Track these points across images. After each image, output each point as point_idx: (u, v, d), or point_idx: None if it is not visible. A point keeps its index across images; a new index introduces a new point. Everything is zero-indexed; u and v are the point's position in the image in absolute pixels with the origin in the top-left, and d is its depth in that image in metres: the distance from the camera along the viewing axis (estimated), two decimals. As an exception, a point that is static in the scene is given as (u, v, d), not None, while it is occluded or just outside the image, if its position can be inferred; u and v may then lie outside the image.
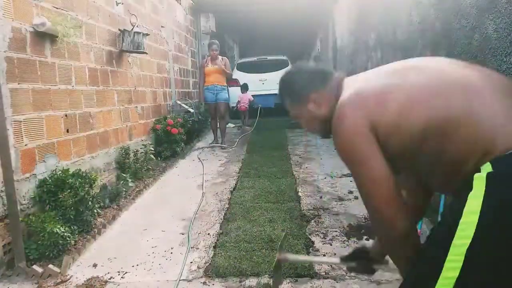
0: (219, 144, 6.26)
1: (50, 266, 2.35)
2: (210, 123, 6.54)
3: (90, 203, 2.88)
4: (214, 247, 2.63)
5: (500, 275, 0.87)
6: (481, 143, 0.94)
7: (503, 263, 0.86)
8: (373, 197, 1.12)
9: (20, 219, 2.42)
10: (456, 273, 0.88)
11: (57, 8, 3.02)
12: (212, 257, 2.47)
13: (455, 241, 0.89)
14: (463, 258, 0.87)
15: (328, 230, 2.82)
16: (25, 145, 2.61)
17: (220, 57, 6.02)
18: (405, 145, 1.08)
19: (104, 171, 3.67)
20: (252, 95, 8.86)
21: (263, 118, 8.61)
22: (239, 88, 8.93)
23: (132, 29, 4.17)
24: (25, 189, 2.59)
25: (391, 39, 4.32)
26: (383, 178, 1.09)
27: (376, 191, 1.10)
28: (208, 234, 2.87)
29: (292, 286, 2.12)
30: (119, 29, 4.12)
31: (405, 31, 3.84)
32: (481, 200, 0.87)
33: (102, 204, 3.22)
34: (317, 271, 2.24)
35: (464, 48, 2.67)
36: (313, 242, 2.63)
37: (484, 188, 0.88)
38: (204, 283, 2.19)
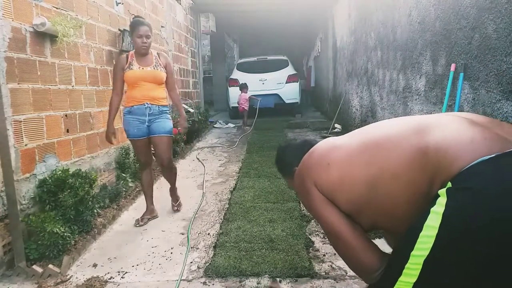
0: (148, 217, 3.18)
1: (50, 266, 2.35)
2: (140, 178, 3.32)
3: (90, 203, 2.88)
4: (214, 247, 2.63)
5: (453, 283, 0.95)
6: (438, 171, 1.01)
7: (458, 273, 0.93)
8: (339, 249, 1.26)
9: (20, 219, 2.42)
10: (413, 279, 0.97)
11: (57, 8, 3.02)
12: (212, 257, 2.47)
13: (415, 252, 0.97)
14: (420, 267, 0.96)
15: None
16: (25, 145, 2.61)
17: (154, 52, 3.11)
18: (355, 199, 1.17)
19: (104, 171, 3.67)
20: (252, 95, 8.87)
21: (263, 118, 8.62)
22: (239, 88, 8.94)
23: (132, 29, 4.15)
24: (25, 189, 2.59)
25: (391, 39, 4.32)
26: (342, 231, 1.20)
27: (341, 244, 1.23)
28: (208, 234, 2.87)
29: (292, 286, 2.12)
30: (119, 29, 4.11)
31: (405, 31, 3.84)
32: (441, 216, 0.94)
33: (102, 204, 3.22)
34: (317, 271, 2.24)
35: (464, 48, 2.68)
36: (313, 242, 2.63)
37: (444, 202, 0.94)
38: (204, 283, 2.19)
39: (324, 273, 2.23)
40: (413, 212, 1.06)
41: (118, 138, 3.32)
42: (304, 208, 3.27)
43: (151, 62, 3.01)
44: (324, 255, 2.45)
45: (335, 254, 2.44)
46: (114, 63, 3.01)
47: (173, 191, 3.45)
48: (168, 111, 3.18)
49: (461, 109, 2.72)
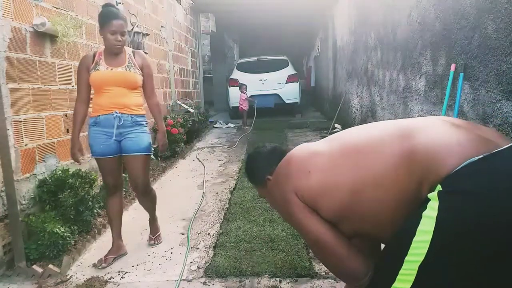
0: (113, 256, 2.53)
1: (50, 266, 2.35)
2: (106, 205, 2.70)
3: (90, 203, 2.88)
4: (214, 247, 2.62)
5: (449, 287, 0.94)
6: (426, 175, 0.99)
7: (454, 277, 0.92)
8: (323, 258, 1.24)
9: (20, 219, 2.42)
10: (408, 285, 0.95)
11: (57, 8, 3.02)
12: (212, 257, 2.47)
13: (408, 258, 0.95)
14: (415, 272, 0.94)
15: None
16: (25, 145, 2.61)
17: (129, 50, 2.51)
18: (338, 206, 1.14)
19: (104, 171, 3.67)
20: (252, 95, 8.87)
21: (263, 118, 8.62)
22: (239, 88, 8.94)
23: (132, 29, 4.17)
24: (25, 189, 2.59)
25: (391, 39, 4.32)
26: (325, 239, 1.17)
27: (324, 252, 1.20)
28: (208, 234, 2.87)
29: (292, 286, 2.12)
30: (119, 29, 4.11)
31: (405, 31, 3.84)
32: (434, 220, 0.92)
33: (102, 204, 3.21)
34: (317, 271, 2.24)
35: (464, 48, 2.67)
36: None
37: (436, 206, 0.92)
38: (204, 283, 2.19)
39: (324, 273, 2.23)
40: (398, 218, 1.04)
41: (85, 156, 2.83)
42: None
43: (123, 62, 2.40)
44: (324, 255, 2.45)
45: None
46: (78, 66, 2.43)
47: (152, 222, 2.78)
48: (144, 123, 2.51)
49: (461, 109, 2.72)
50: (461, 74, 2.68)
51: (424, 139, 1.04)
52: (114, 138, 2.41)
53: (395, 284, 0.98)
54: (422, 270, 0.93)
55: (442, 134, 1.04)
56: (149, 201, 2.69)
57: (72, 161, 2.55)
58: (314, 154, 1.25)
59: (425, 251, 0.92)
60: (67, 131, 3.11)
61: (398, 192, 1.03)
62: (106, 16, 2.32)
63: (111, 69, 2.37)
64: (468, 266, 0.90)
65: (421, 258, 0.92)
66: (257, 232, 2.79)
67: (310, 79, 13.57)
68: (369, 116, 5.32)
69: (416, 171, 1.01)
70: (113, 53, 2.39)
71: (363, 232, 1.20)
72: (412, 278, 0.94)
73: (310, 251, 2.50)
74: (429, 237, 0.91)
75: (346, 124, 6.68)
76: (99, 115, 2.40)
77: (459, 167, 0.94)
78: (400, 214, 1.04)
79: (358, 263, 1.16)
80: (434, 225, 0.91)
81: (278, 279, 2.19)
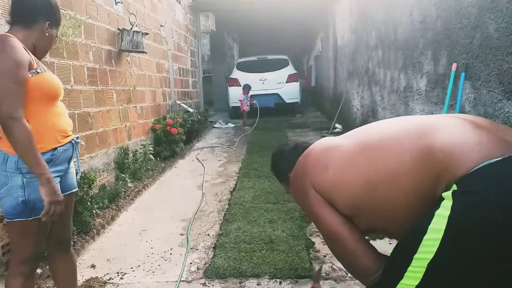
0: None
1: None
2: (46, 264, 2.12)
3: (89, 203, 2.86)
4: (214, 248, 2.61)
5: (457, 286, 0.94)
6: (443, 173, 0.99)
7: (462, 277, 0.92)
8: (337, 251, 1.24)
9: (18, 220, 2.38)
10: (416, 282, 0.96)
11: (55, 7, 3.00)
12: (211, 258, 2.46)
13: (418, 255, 0.95)
14: (424, 270, 0.94)
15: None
16: (24, 145, 2.58)
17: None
18: (354, 201, 1.15)
19: (103, 171, 3.66)
20: (252, 95, 8.85)
21: (263, 118, 8.60)
22: (240, 87, 8.92)
23: (131, 28, 4.16)
24: (24, 190, 2.56)
25: (392, 38, 4.30)
26: (340, 232, 1.18)
27: (338, 246, 1.21)
28: (208, 235, 2.86)
29: (292, 287, 2.11)
30: (118, 28, 4.10)
31: (406, 30, 3.82)
32: (447, 219, 0.92)
33: (101, 204, 3.20)
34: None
35: (465, 47, 2.66)
36: (313, 243, 2.61)
37: (450, 206, 0.92)
38: (204, 284, 2.18)
39: (325, 274, 2.21)
40: (412, 215, 1.04)
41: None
42: (304, 208, 3.26)
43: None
44: (324, 256, 2.43)
45: (335, 255, 2.43)
46: (15, 58, 1.38)
47: None
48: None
49: (462, 109, 2.71)
50: (463, 74, 2.67)
51: (443, 137, 1.03)
52: (66, 174, 1.65)
53: (402, 281, 0.98)
54: (430, 268, 0.93)
55: (462, 133, 1.03)
56: (73, 263, 1.83)
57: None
58: (331, 149, 1.26)
59: (435, 249, 0.92)
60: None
61: (414, 190, 1.03)
62: (59, 12, 1.66)
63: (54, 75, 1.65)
64: (476, 267, 0.90)
65: (431, 256, 0.92)
66: (257, 233, 2.78)
67: (310, 78, 13.54)
68: (370, 116, 5.31)
69: (433, 170, 1.00)
70: (43, 54, 1.67)
71: (378, 228, 1.21)
72: (420, 275, 0.94)
73: (311, 252, 2.49)
74: (440, 235, 0.91)
75: (347, 124, 6.67)
76: (56, 147, 1.54)
77: (476, 167, 0.93)
78: (415, 212, 1.04)
79: (370, 259, 1.16)
80: (446, 224, 0.91)
81: (278, 280, 2.17)
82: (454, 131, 1.05)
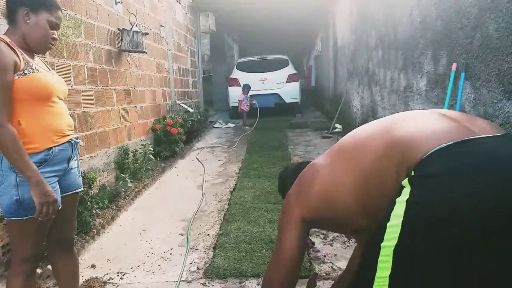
0: None
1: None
2: None
3: (89, 203, 2.86)
4: (214, 248, 2.61)
5: (426, 268, 0.92)
6: (403, 163, 1.03)
7: (429, 259, 0.91)
8: (276, 262, 1.33)
9: (18, 220, 2.38)
10: (387, 273, 0.94)
11: (55, 7, 3.00)
12: (211, 258, 2.46)
13: (384, 243, 0.96)
14: (391, 258, 0.94)
15: (328, 231, 2.80)
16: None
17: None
18: (341, 207, 1.19)
19: (103, 171, 3.66)
20: (252, 95, 8.85)
21: (263, 118, 8.60)
22: (240, 87, 8.91)
23: (131, 28, 4.16)
24: (24, 190, 2.56)
25: (392, 38, 4.30)
26: (288, 253, 1.28)
27: (278, 259, 1.32)
28: (208, 235, 2.86)
29: None
30: (118, 28, 4.10)
31: (406, 30, 3.82)
32: (405, 203, 0.94)
33: (101, 204, 3.20)
34: (317, 272, 2.22)
35: (465, 47, 2.66)
36: (313, 243, 2.61)
37: (408, 191, 0.95)
38: (204, 284, 2.18)
39: (325, 274, 2.21)
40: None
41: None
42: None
43: (43, 65, 1.64)
44: (324, 256, 2.43)
45: (335, 255, 2.43)
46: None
47: None
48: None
49: (462, 109, 2.71)
50: (463, 74, 2.67)
51: (405, 127, 1.09)
52: (65, 177, 1.64)
53: (378, 274, 0.97)
54: (396, 255, 0.93)
55: (421, 123, 1.09)
56: (76, 261, 1.83)
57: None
58: (315, 169, 1.33)
59: (397, 235, 0.93)
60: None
61: (386, 185, 1.06)
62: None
63: (52, 72, 1.64)
64: (442, 250, 0.89)
65: (394, 242, 0.93)
66: (257, 233, 2.78)
67: (310, 78, 13.54)
68: (370, 116, 5.31)
69: (394, 158, 1.04)
70: (39, 52, 1.61)
71: (367, 227, 1.22)
72: (389, 264, 0.94)
73: (311, 252, 2.49)
74: (400, 220, 0.93)
75: (347, 124, 6.67)
76: (51, 147, 1.53)
77: (429, 152, 0.98)
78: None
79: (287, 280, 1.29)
80: (404, 208, 0.93)
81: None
82: (418, 121, 1.11)
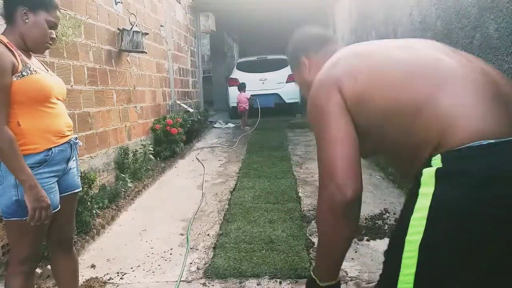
0: None
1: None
2: None
3: (89, 203, 2.86)
4: (214, 248, 2.61)
5: (454, 266, 0.88)
6: (436, 132, 0.92)
7: (456, 254, 0.87)
8: (328, 156, 1.05)
9: (18, 220, 2.37)
10: (413, 269, 0.89)
11: (55, 7, 3.00)
12: (211, 258, 2.46)
13: (408, 237, 0.90)
14: (417, 253, 0.88)
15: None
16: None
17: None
18: (370, 120, 1.05)
19: (103, 171, 3.66)
20: (252, 95, 8.85)
21: (263, 118, 8.60)
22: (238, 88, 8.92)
23: (131, 28, 4.16)
24: (24, 190, 2.56)
25: (392, 38, 4.31)
26: (342, 138, 1.04)
27: (332, 150, 1.04)
28: (208, 235, 2.86)
29: (292, 287, 2.11)
30: (118, 28, 4.10)
31: (406, 30, 3.82)
32: (431, 196, 0.87)
33: (101, 204, 3.20)
34: (317, 272, 2.22)
35: (465, 47, 2.66)
36: (313, 243, 2.61)
37: (434, 185, 0.88)
38: (204, 284, 2.18)
39: (325, 274, 2.21)
40: (411, 157, 0.99)
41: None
42: (304, 208, 3.26)
43: (41, 65, 1.64)
44: (324, 256, 2.43)
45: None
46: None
47: None
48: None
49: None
50: (462, 74, 2.66)
51: (451, 99, 0.94)
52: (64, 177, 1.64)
53: (402, 271, 0.91)
54: (423, 250, 0.87)
55: (471, 100, 0.93)
56: (75, 262, 1.82)
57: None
58: (362, 57, 1.15)
59: (422, 229, 0.87)
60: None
61: (414, 135, 0.97)
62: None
63: (50, 73, 1.64)
64: (469, 247, 0.86)
65: (420, 237, 0.87)
66: (257, 233, 2.78)
67: (310, 78, 13.52)
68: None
69: (432, 127, 0.93)
70: (37, 51, 1.62)
71: (381, 152, 1.17)
72: (415, 261, 0.88)
73: (311, 252, 2.49)
74: (424, 213, 0.87)
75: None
76: (50, 148, 1.53)
77: (468, 145, 0.87)
78: (410, 157, 1.00)
79: (353, 180, 1.01)
80: (429, 203, 0.87)
81: (278, 280, 2.17)
82: (464, 96, 0.94)
